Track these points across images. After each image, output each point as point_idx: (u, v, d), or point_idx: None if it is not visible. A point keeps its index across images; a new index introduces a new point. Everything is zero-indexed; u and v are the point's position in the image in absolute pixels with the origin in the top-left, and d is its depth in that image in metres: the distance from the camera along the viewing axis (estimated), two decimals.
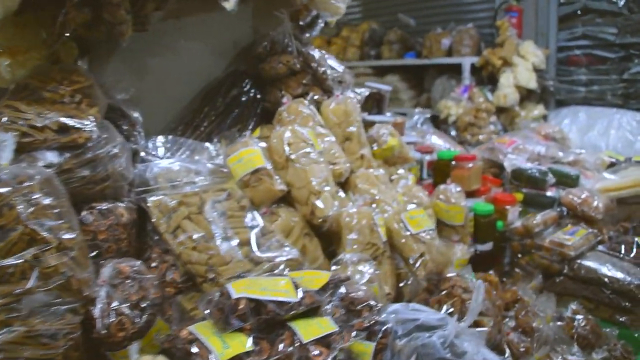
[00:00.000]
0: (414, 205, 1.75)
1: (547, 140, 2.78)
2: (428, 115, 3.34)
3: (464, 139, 4.36)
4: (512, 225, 2.19)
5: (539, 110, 4.59)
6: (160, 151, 1.64)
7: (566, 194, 2.29)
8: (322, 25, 2.35)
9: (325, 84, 1.98)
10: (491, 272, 1.83)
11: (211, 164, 1.58)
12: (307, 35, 2.30)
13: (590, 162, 2.64)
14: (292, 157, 1.57)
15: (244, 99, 1.88)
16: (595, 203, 2.19)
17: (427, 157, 2.44)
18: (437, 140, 2.84)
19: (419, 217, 1.68)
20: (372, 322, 1.13)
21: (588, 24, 4.47)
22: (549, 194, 2.36)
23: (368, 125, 2.04)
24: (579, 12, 4.50)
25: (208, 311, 1.07)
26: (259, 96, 1.90)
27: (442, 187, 1.97)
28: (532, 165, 2.45)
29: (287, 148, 1.58)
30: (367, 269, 1.42)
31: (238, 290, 1.07)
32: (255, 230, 1.40)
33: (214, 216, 1.38)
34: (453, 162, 2.24)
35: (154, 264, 1.34)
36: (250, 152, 1.57)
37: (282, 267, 1.34)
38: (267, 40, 1.96)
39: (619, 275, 1.89)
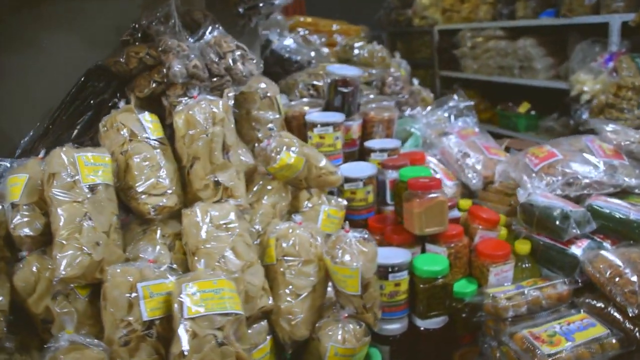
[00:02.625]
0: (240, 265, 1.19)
1: (616, 155, 1.71)
2: (469, 103, 2.43)
3: None
4: (482, 298, 1.39)
5: None
6: None
7: (594, 258, 1.36)
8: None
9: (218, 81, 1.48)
10: None
11: None
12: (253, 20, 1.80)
13: None
14: (54, 193, 1.17)
15: (97, 101, 1.52)
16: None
17: (392, 175, 1.70)
18: (459, 146, 2.02)
19: (219, 292, 1.12)
20: None
21: None
22: (573, 250, 1.45)
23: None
24: None
25: None
26: (117, 98, 1.52)
27: (334, 235, 1.33)
28: (555, 200, 1.52)
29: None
30: None
31: None
32: None
33: None
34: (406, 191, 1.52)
35: None
36: (14, 182, 1.23)
37: None
38: (140, 24, 1.54)
39: None
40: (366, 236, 1.33)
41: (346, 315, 1.32)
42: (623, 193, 1.65)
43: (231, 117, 1.43)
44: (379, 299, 1.35)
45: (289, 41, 2.24)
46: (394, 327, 1.42)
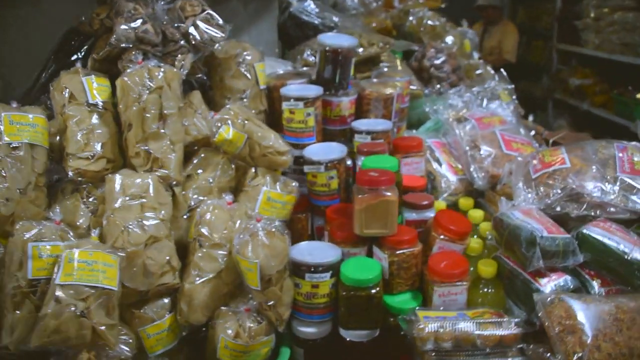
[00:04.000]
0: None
1: (635, 171, 1.29)
2: (509, 86, 1.99)
3: None
4: (412, 318, 1.20)
5: None
6: None
7: (551, 303, 1.09)
8: None
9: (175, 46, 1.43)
10: None
11: None
12: None
13: None
14: None
15: (69, 60, 1.56)
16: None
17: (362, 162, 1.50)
18: (471, 136, 1.72)
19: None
20: None
21: None
22: (540, 284, 1.17)
23: None
24: None
25: None
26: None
27: (244, 223, 1.22)
28: (533, 219, 1.22)
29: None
30: None
31: None
32: None
33: None
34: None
35: None
36: None
37: None
38: None
39: None
40: (277, 229, 1.21)
41: (247, 308, 1.23)
42: None
43: (176, 85, 1.37)
44: (287, 298, 1.24)
45: (309, 3, 2.08)
46: (310, 330, 1.29)
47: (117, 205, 1.25)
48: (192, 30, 1.43)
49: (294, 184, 1.46)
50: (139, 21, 1.38)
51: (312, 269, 1.26)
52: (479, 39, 5.39)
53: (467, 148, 1.73)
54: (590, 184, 1.32)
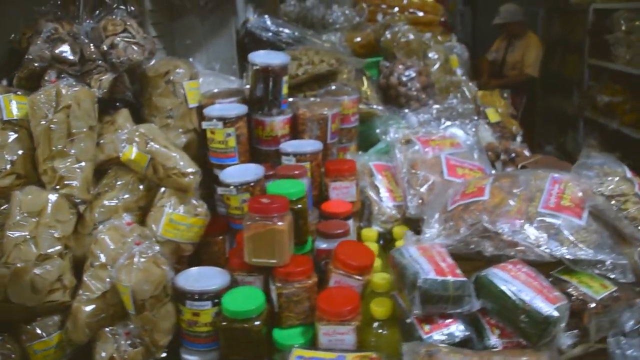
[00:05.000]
0: None
1: (574, 210, 1.12)
2: (470, 106, 1.84)
3: None
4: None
5: None
6: None
7: (425, 356, 1.00)
8: None
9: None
10: None
11: None
12: None
13: None
14: None
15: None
16: None
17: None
18: (410, 160, 1.63)
19: None
20: None
21: None
22: (423, 332, 1.08)
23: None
24: None
25: None
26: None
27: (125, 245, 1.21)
28: (424, 259, 1.12)
29: None
30: None
31: None
32: None
33: None
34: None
35: None
36: None
37: None
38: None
39: None
40: (155, 253, 1.20)
41: (127, 332, 1.22)
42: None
43: (87, 104, 1.39)
44: (165, 324, 1.21)
45: (265, 19, 2.06)
46: (194, 358, 1.26)
47: (13, 221, 1.27)
48: (110, 49, 1.45)
49: (201, 207, 1.44)
50: (56, 41, 1.41)
51: (192, 297, 1.23)
52: (503, 53, 5.19)
53: (404, 172, 1.64)
54: (503, 220, 1.21)
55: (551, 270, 1.21)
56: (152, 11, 1.80)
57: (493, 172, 1.77)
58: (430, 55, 2.61)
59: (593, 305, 1.09)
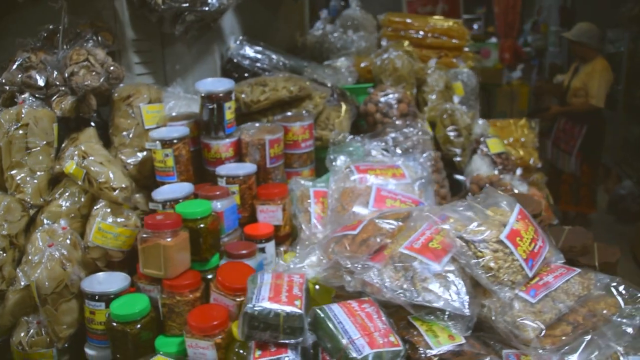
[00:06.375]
0: None
1: (438, 253, 1.06)
2: (427, 136, 1.74)
3: None
4: None
5: None
6: None
7: None
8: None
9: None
10: None
11: None
12: None
13: None
14: None
15: None
16: None
17: (218, 206, 1.57)
18: (338, 190, 1.65)
19: None
20: None
21: None
22: (257, 356, 1.13)
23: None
24: None
25: None
26: None
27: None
28: (267, 285, 1.16)
29: None
30: None
31: None
32: None
33: None
34: None
35: None
36: None
37: None
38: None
39: None
40: (60, 255, 1.38)
41: (38, 321, 1.41)
42: None
43: (45, 123, 1.63)
44: (65, 318, 1.40)
45: (244, 47, 2.19)
46: (92, 353, 1.41)
47: None
48: (71, 76, 1.68)
49: (130, 219, 1.60)
50: (28, 68, 1.67)
51: (92, 297, 1.39)
52: (570, 77, 4.83)
53: (331, 201, 1.69)
54: (362, 257, 1.23)
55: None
56: (137, 40, 2.03)
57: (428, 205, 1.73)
58: (429, 81, 2.58)
59: (427, 356, 1.06)
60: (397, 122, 2.18)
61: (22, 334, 1.41)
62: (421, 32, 3.20)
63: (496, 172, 2.32)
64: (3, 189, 1.63)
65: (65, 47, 1.77)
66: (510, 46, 5.64)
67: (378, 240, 1.24)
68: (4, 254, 1.52)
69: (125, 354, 1.34)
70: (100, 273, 1.49)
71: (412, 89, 2.46)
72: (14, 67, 1.68)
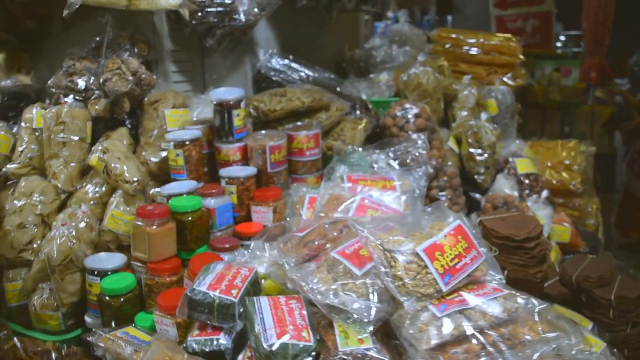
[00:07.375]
0: None
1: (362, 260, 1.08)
2: (423, 151, 1.69)
3: None
4: None
5: None
6: None
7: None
8: None
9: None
10: None
11: None
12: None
13: None
14: None
15: None
16: None
17: (212, 203, 1.74)
18: (322, 198, 1.73)
19: None
20: None
21: None
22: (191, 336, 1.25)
23: None
24: None
25: None
26: None
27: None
28: (214, 274, 1.26)
29: None
30: None
31: None
32: None
33: None
34: None
35: None
36: None
37: None
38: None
39: None
40: (69, 233, 1.62)
41: (51, 287, 1.66)
42: None
43: (80, 121, 1.90)
44: (69, 287, 1.63)
45: (272, 59, 2.34)
46: (89, 320, 1.63)
47: (14, 197, 1.84)
48: (104, 82, 1.95)
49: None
50: (72, 74, 1.97)
51: (90, 272, 1.61)
52: None
53: (316, 205, 1.77)
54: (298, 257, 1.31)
55: None
56: (175, 51, 2.27)
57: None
58: (460, 97, 2.56)
59: (331, 354, 1.11)
60: (413, 137, 2.21)
61: (36, 297, 1.67)
62: (473, 49, 3.16)
63: (516, 193, 2.24)
64: (44, 175, 1.94)
65: (107, 56, 2.05)
66: (597, 64, 5.26)
67: (316, 243, 1.32)
68: (36, 229, 1.81)
69: (108, 322, 1.54)
70: (104, 253, 1.71)
71: (438, 105, 2.46)
72: (60, 72, 1.98)
